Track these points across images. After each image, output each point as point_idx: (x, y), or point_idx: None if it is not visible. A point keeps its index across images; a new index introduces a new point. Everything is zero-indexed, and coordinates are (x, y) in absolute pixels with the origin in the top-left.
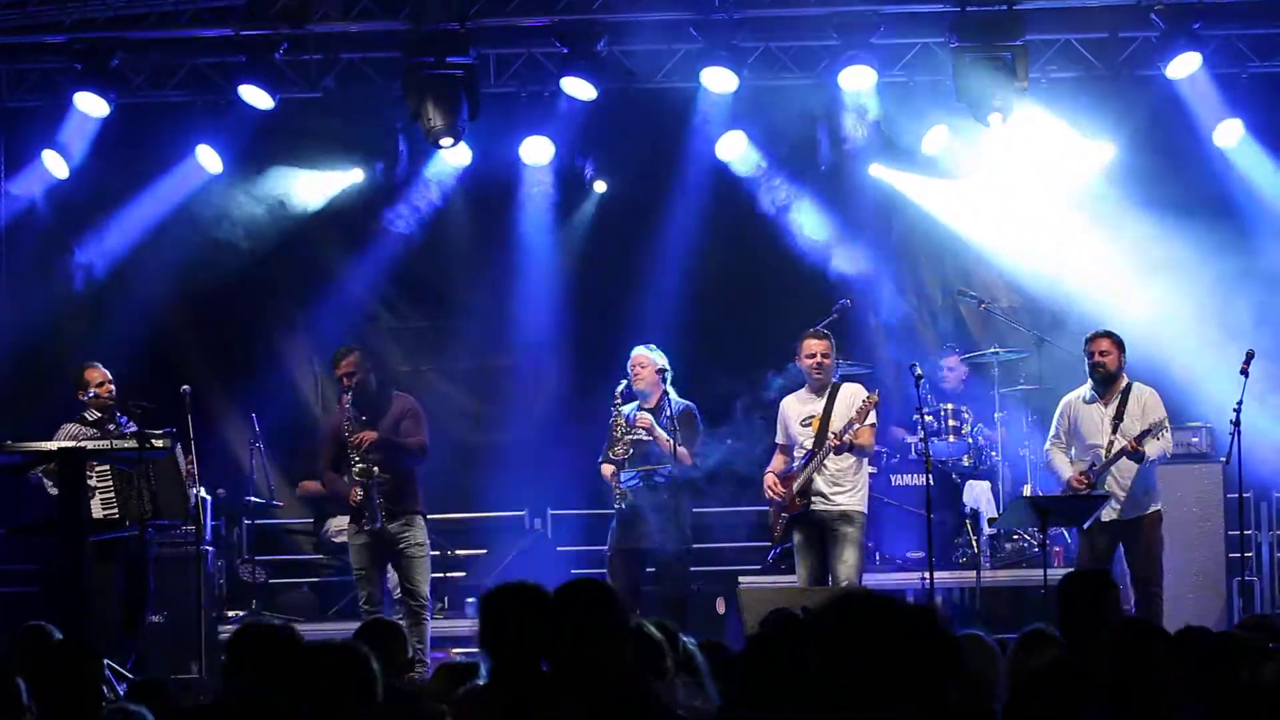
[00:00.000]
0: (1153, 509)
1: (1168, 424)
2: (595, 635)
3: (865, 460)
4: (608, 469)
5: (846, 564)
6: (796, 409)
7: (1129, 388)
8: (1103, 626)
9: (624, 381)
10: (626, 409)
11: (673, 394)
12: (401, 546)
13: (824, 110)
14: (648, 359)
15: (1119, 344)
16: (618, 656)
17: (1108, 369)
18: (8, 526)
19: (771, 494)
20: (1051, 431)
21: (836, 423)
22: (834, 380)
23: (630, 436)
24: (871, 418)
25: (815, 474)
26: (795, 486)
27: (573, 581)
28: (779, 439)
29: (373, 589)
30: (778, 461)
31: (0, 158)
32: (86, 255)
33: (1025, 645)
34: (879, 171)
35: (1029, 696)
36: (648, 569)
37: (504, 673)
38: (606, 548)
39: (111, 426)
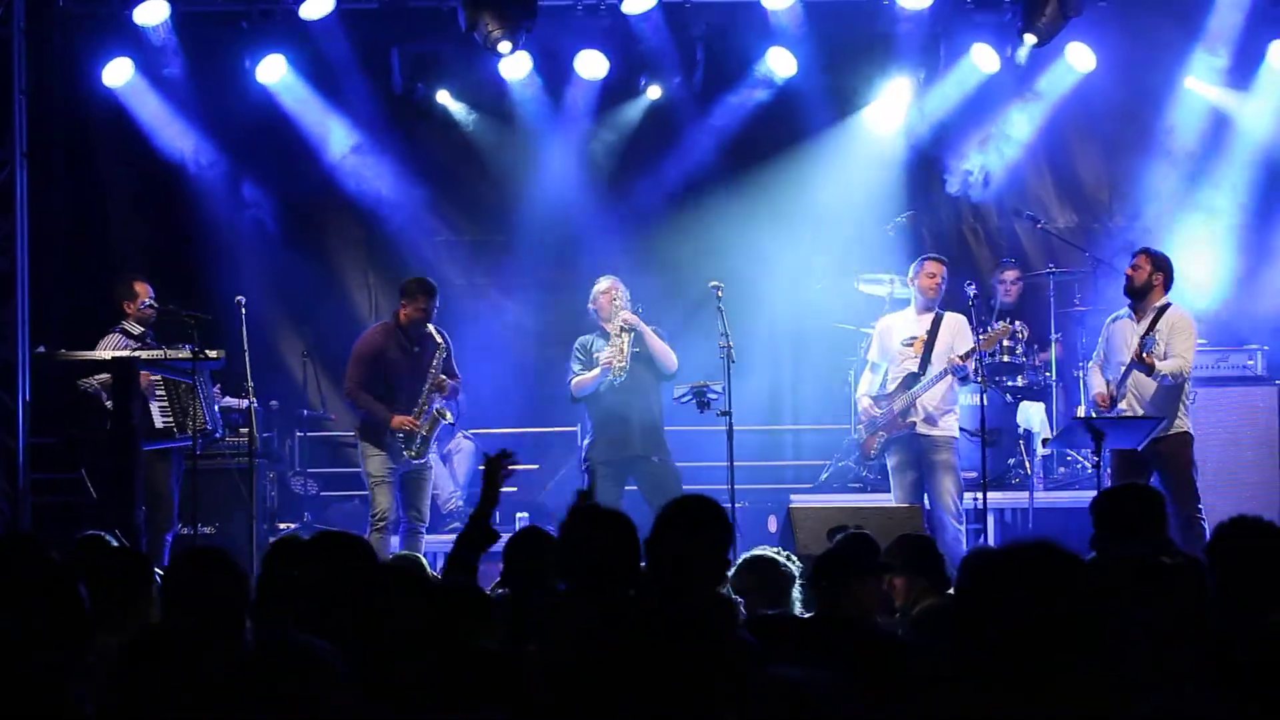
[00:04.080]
0: (1176, 430)
1: (1185, 350)
2: (700, 552)
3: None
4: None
5: (949, 493)
6: (899, 328)
7: (1165, 308)
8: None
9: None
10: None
11: None
12: (419, 465)
13: (880, 29)
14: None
15: (1155, 261)
16: (717, 574)
17: (1134, 283)
18: (60, 436)
19: (870, 414)
20: (1096, 351)
21: (941, 348)
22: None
23: (622, 335)
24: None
25: (919, 397)
26: (898, 406)
27: (681, 498)
28: (873, 356)
29: (390, 501)
30: (867, 380)
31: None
32: (140, 163)
33: None
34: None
35: None
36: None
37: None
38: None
39: (148, 340)
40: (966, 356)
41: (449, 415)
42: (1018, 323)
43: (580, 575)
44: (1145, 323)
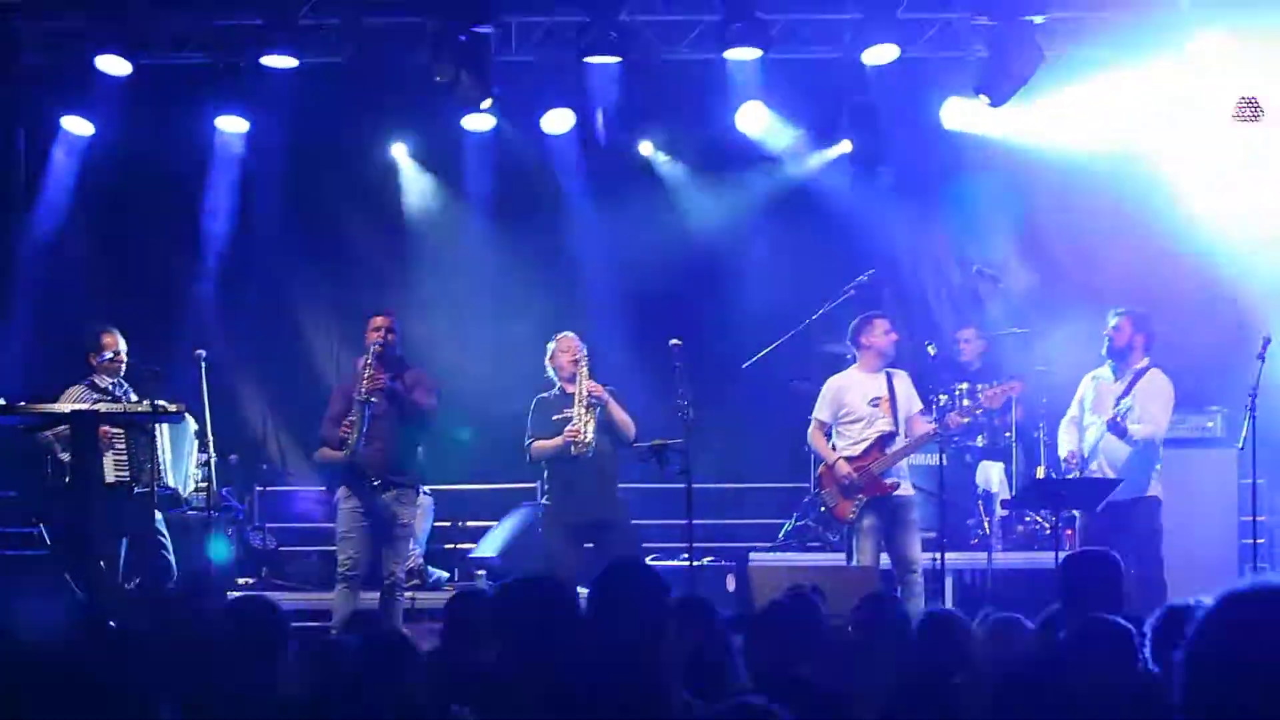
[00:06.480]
0: (1148, 493)
1: (1160, 414)
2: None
3: None
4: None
5: (917, 548)
6: (858, 387)
7: (1146, 370)
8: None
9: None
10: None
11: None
12: (387, 521)
13: (847, 86)
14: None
15: (1134, 321)
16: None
17: (1115, 344)
18: (18, 489)
19: (850, 479)
20: (1071, 408)
21: (903, 407)
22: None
23: (588, 409)
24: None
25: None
26: (876, 469)
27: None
28: (823, 416)
29: (356, 554)
30: (822, 439)
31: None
32: (104, 218)
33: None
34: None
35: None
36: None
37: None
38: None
39: (119, 393)
40: (964, 414)
41: (371, 399)
42: (979, 385)
43: (512, 644)
44: (1123, 384)
